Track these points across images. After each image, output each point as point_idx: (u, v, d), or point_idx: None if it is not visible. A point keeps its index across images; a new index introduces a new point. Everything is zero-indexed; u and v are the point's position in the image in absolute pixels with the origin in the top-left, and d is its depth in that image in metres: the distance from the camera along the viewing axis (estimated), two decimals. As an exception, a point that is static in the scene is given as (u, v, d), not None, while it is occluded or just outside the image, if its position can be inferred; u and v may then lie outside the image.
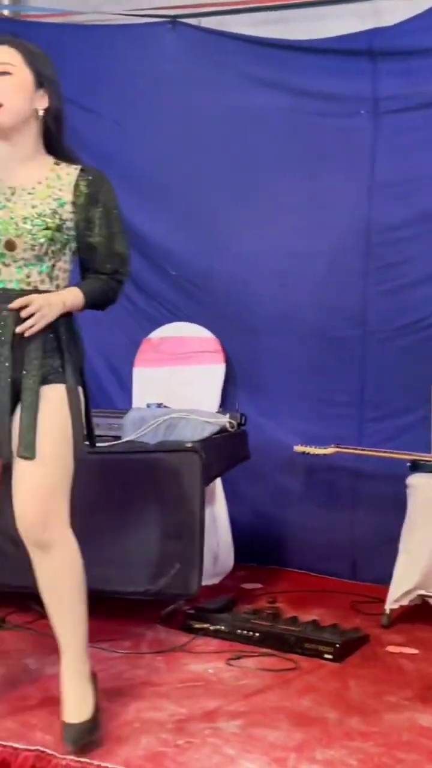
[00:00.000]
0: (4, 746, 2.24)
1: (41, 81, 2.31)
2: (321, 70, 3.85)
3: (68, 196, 2.31)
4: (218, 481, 3.62)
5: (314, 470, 3.85)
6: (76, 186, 2.32)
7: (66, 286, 2.35)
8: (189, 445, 3.15)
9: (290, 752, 2.28)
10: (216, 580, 3.59)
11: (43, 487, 2.24)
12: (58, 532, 2.26)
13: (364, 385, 3.80)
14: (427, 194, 3.69)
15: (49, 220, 2.27)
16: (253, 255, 3.92)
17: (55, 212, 2.29)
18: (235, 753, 2.27)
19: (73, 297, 2.32)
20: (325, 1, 3.97)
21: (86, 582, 2.30)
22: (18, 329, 2.23)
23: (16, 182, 2.31)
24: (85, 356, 2.40)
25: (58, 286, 2.32)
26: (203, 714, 2.49)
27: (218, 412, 3.52)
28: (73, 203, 2.31)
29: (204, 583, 3.18)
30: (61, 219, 2.29)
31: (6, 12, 4.55)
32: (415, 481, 3.24)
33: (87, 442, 2.39)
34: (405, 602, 3.18)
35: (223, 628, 3.06)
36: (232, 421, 3.41)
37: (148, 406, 3.51)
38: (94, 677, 2.35)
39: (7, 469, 2.29)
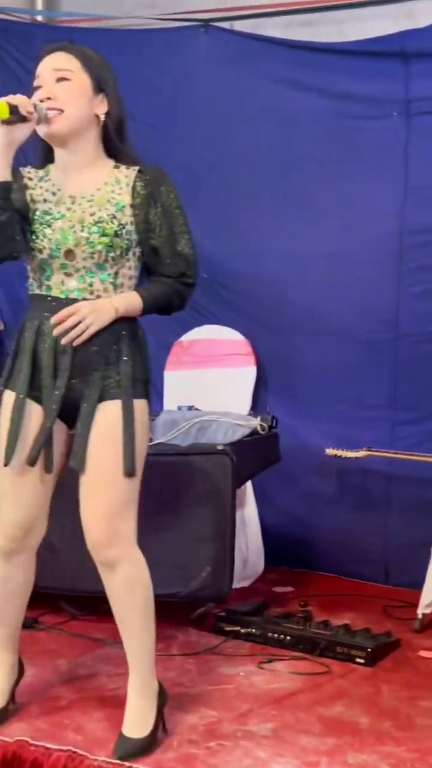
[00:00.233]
0: (37, 746, 2.25)
1: (100, 86, 2.28)
2: (354, 72, 3.84)
3: (127, 199, 2.26)
4: (249, 484, 3.61)
5: (346, 473, 3.84)
6: (134, 187, 2.27)
7: None
8: (220, 447, 3.15)
9: (322, 756, 2.28)
10: (245, 583, 3.59)
11: (106, 506, 2.23)
12: (124, 550, 2.26)
13: (397, 388, 3.77)
14: (461, 195, 3.68)
15: (106, 225, 2.22)
16: (285, 257, 3.91)
17: (113, 217, 2.24)
18: (267, 756, 2.27)
19: (128, 301, 2.25)
20: (357, 3, 3.96)
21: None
22: (64, 340, 2.19)
23: (76, 190, 2.27)
24: (149, 366, 2.32)
25: None
26: (234, 717, 2.49)
27: (249, 414, 3.52)
28: (132, 205, 2.26)
29: (233, 585, 3.18)
30: (120, 224, 2.24)
31: (40, 18, 4.59)
32: (447, 484, 3.21)
33: None
34: (437, 607, 3.16)
35: (254, 631, 3.06)
36: (263, 424, 3.40)
37: (179, 408, 3.52)
38: (161, 694, 2.34)
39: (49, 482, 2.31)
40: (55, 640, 2.98)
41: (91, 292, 2.24)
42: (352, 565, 3.83)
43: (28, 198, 2.28)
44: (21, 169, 2.32)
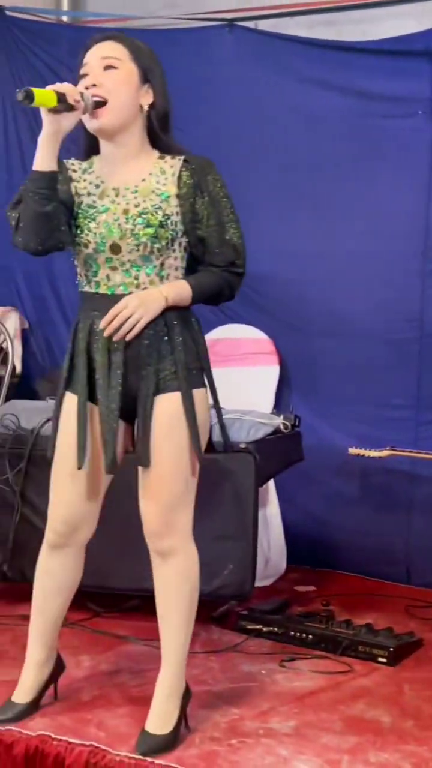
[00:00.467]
0: (59, 741, 2.27)
1: (147, 76, 2.26)
2: (378, 71, 3.83)
3: (172, 189, 2.24)
4: (271, 484, 3.61)
5: (369, 473, 3.83)
6: (180, 177, 2.25)
7: None
8: (243, 446, 3.15)
9: (343, 754, 2.28)
10: (267, 582, 3.59)
11: (163, 498, 2.25)
12: (179, 542, 2.29)
13: (421, 388, 3.76)
14: None
15: (151, 216, 2.21)
16: (309, 257, 3.91)
17: (158, 207, 2.22)
18: (288, 754, 2.27)
19: (177, 290, 2.23)
20: (381, 2, 3.95)
21: (197, 600, 2.36)
22: (115, 337, 2.20)
23: (120, 182, 2.26)
24: (205, 355, 2.31)
25: None
26: (256, 714, 2.49)
27: (272, 413, 3.52)
28: (177, 195, 2.24)
29: (255, 584, 3.18)
30: (165, 214, 2.22)
31: (66, 18, 4.61)
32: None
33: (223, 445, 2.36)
34: (460, 607, 3.16)
35: (276, 629, 3.06)
36: (286, 423, 3.40)
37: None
38: (186, 695, 2.36)
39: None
40: (78, 637, 2.99)
41: (138, 286, 2.24)
42: (374, 564, 3.82)
43: (73, 191, 2.28)
44: (65, 161, 2.31)
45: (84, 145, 2.36)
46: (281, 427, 3.37)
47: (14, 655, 2.79)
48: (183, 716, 2.34)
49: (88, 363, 2.27)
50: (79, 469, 2.27)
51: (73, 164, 2.33)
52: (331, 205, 3.89)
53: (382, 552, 3.81)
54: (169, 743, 2.26)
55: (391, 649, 2.88)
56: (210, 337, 4.01)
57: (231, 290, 2.32)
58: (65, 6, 4.63)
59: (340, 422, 3.86)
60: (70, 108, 2.16)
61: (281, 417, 3.41)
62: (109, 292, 2.25)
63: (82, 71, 2.26)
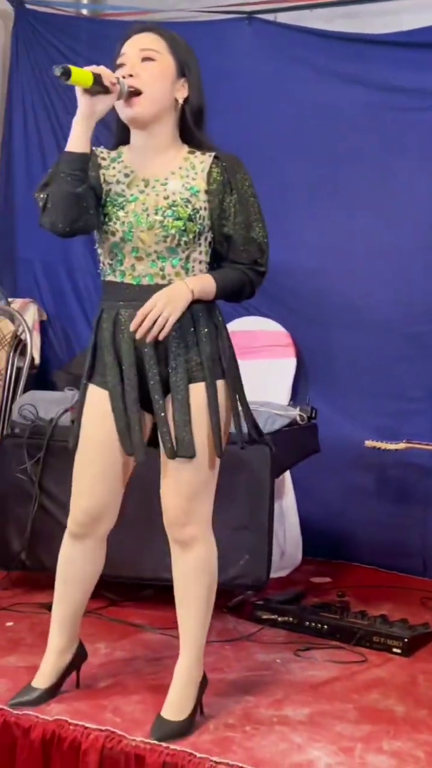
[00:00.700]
0: (76, 725, 2.29)
1: (183, 70, 2.26)
2: (397, 63, 3.84)
3: (202, 184, 2.25)
4: (288, 476, 3.62)
5: (385, 466, 3.84)
6: (210, 173, 2.26)
7: None
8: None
9: (357, 742, 2.29)
10: (283, 573, 3.60)
11: (186, 487, 2.27)
12: (200, 531, 2.31)
13: (438, 381, 3.77)
14: None
15: (180, 209, 2.22)
16: (326, 249, 3.92)
17: (188, 201, 2.23)
18: (302, 741, 2.29)
19: (202, 283, 2.24)
20: (400, -6, 3.96)
21: (214, 588, 2.37)
22: (148, 339, 2.20)
23: (150, 173, 2.27)
24: (228, 346, 2.32)
25: None
26: (271, 702, 2.51)
27: (289, 405, 3.53)
28: (207, 191, 2.25)
29: (271, 575, 3.19)
30: (194, 208, 2.23)
31: (86, 11, 4.63)
32: None
33: (248, 436, 2.37)
34: None
35: (291, 619, 3.07)
36: (303, 414, 3.41)
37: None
38: (203, 683, 2.38)
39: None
40: (94, 625, 3.01)
41: (163, 277, 2.25)
42: (390, 557, 3.83)
43: (102, 178, 2.29)
44: (94, 148, 2.31)
45: (115, 134, 2.37)
46: (297, 418, 3.39)
47: (32, 642, 2.82)
48: (199, 704, 2.36)
49: (115, 354, 2.28)
50: (129, 455, 2.28)
51: (102, 152, 2.34)
52: (350, 197, 3.89)
53: (398, 544, 3.82)
54: (184, 729, 2.28)
55: (406, 640, 2.89)
56: (228, 329, 4.02)
57: (252, 288, 2.34)
58: (85, 0, 4.65)
59: (357, 415, 3.87)
60: (106, 90, 2.16)
61: (298, 409, 3.43)
62: (135, 282, 2.26)
63: (119, 61, 2.27)
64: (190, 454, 2.24)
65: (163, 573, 2.67)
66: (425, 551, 3.79)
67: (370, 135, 3.86)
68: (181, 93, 2.28)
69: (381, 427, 3.70)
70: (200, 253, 2.28)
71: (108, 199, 2.28)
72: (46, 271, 4.48)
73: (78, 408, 2.38)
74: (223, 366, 2.31)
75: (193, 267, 2.27)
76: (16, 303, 4.29)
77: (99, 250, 2.33)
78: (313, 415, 3.50)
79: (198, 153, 2.30)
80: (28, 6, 4.48)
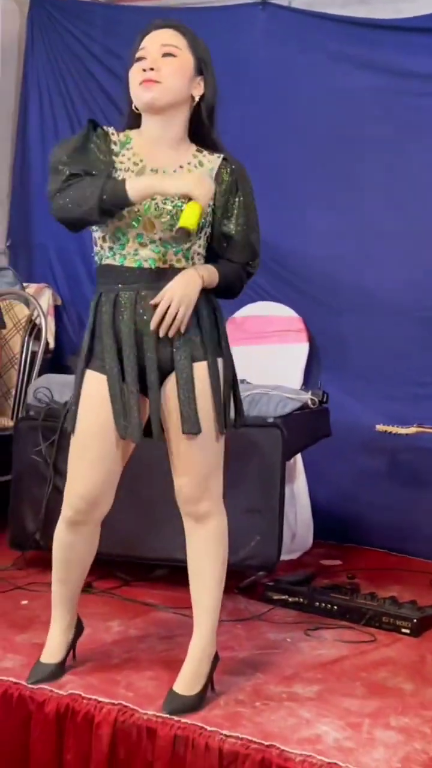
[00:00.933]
0: (89, 699, 2.34)
1: (201, 68, 2.32)
2: (413, 48, 3.84)
3: None
4: (299, 459, 3.66)
5: (396, 450, 3.86)
6: (218, 173, 2.34)
7: None
8: (271, 420, 3.20)
9: (365, 718, 2.33)
10: (294, 556, 3.63)
11: (199, 463, 2.33)
12: (213, 505, 2.38)
13: (450, 366, 3.78)
14: None
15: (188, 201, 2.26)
16: (339, 235, 3.93)
17: None
18: (311, 716, 2.33)
19: (209, 273, 2.32)
20: (415, -21, 3.95)
21: (226, 563, 2.43)
22: (171, 333, 2.26)
23: (160, 164, 2.32)
24: (223, 330, 2.39)
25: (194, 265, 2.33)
26: (280, 679, 2.55)
27: (300, 390, 3.55)
28: (215, 190, 2.31)
29: (282, 558, 3.23)
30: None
31: (101, -3, 4.65)
32: None
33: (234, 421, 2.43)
34: None
35: (301, 600, 3.11)
36: (314, 398, 3.43)
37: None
38: (215, 660, 2.43)
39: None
40: (108, 604, 3.07)
41: (165, 262, 2.30)
42: (400, 540, 3.85)
43: (114, 164, 2.32)
44: (107, 129, 2.35)
45: (126, 121, 2.40)
46: (309, 402, 3.41)
47: (46, 619, 2.84)
48: (210, 680, 2.41)
49: (115, 337, 2.31)
50: (123, 438, 2.32)
51: (113, 134, 2.36)
52: (363, 182, 3.90)
53: (408, 528, 3.85)
54: (195, 704, 2.33)
55: (415, 621, 2.93)
56: (240, 314, 4.05)
57: (241, 286, 2.45)
58: (100, -15, 4.66)
59: (369, 399, 3.89)
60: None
61: (309, 393, 3.45)
62: (136, 265, 2.31)
63: (138, 54, 2.31)
64: (196, 431, 2.29)
65: (175, 553, 2.71)
66: (435, 534, 3.82)
67: (384, 120, 3.87)
68: (198, 90, 2.33)
69: (392, 411, 3.73)
70: (199, 246, 2.35)
71: None
72: (61, 257, 4.51)
73: (75, 393, 2.40)
74: (222, 345, 2.38)
75: (193, 256, 2.34)
76: (31, 288, 4.33)
77: (98, 234, 2.36)
78: (325, 399, 3.53)
79: (206, 153, 2.37)
80: (43, -8, 4.50)
